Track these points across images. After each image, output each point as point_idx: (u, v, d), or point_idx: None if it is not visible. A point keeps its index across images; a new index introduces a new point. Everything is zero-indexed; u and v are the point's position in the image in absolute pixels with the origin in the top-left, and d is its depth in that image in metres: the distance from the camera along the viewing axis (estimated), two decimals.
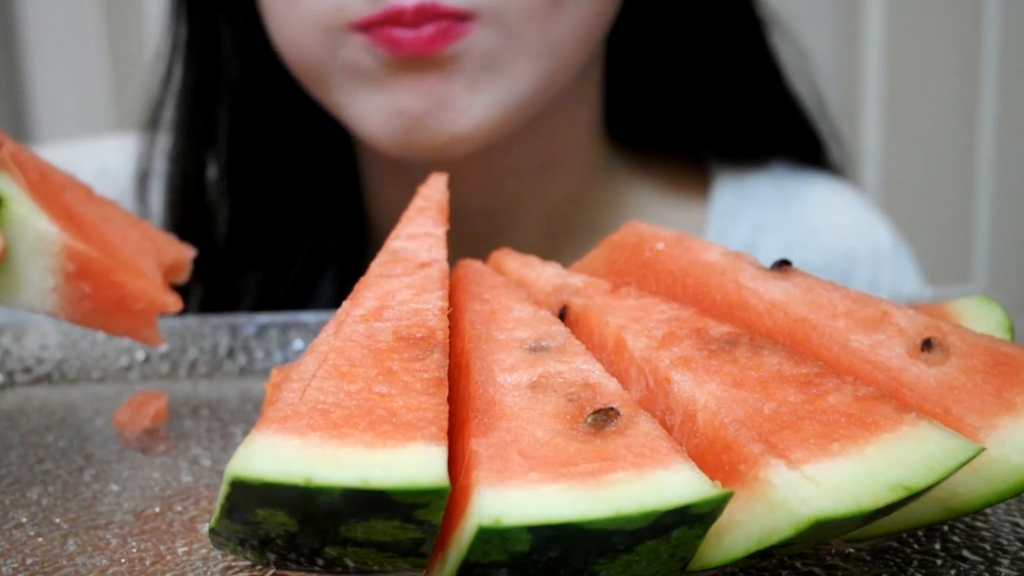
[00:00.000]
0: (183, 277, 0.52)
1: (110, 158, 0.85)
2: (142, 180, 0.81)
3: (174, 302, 0.47)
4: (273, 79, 0.76)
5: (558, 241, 0.80)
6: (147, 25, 1.36)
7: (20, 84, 1.44)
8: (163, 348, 0.59)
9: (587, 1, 0.67)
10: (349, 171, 0.81)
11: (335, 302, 0.69)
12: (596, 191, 0.82)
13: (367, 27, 0.63)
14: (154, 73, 0.81)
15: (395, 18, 0.62)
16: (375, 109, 0.66)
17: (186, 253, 0.52)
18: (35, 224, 0.41)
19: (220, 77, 0.77)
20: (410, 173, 0.73)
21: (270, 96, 0.77)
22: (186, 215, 0.79)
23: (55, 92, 1.42)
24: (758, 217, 0.82)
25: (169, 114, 0.80)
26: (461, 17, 0.63)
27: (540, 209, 0.80)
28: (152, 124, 0.81)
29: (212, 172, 0.80)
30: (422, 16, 0.62)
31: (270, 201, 0.80)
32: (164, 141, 0.81)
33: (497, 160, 0.74)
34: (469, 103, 0.65)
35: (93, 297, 0.43)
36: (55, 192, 0.44)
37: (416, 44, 0.62)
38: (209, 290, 0.79)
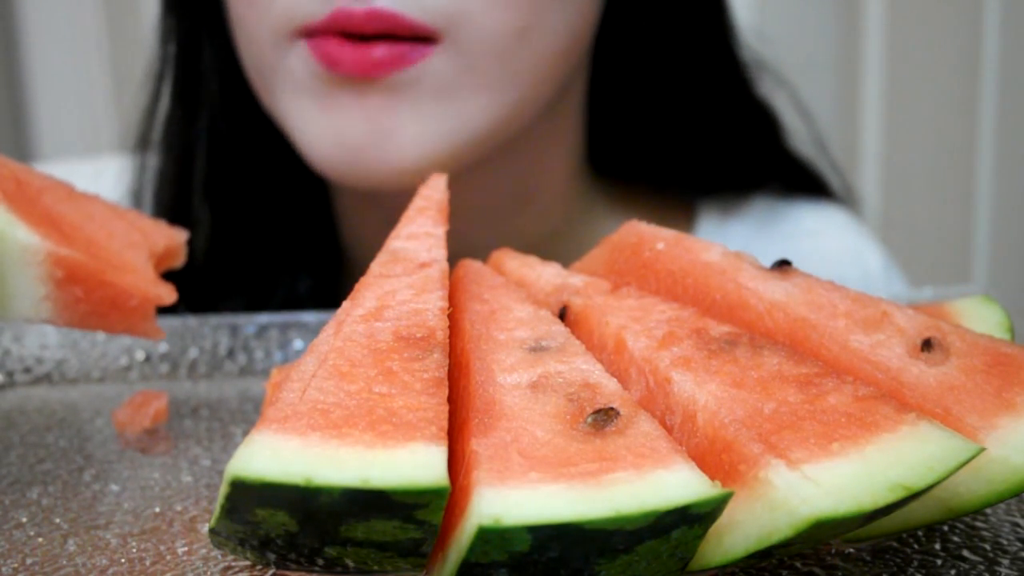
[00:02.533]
0: (180, 261, 0.51)
1: (101, 183, 0.83)
2: (136, 201, 0.80)
3: (168, 293, 0.46)
4: (250, 98, 0.74)
5: None
6: (149, 39, 1.36)
7: (21, 101, 1.44)
8: (163, 348, 0.59)
9: (553, 35, 0.64)
10: (323, 203, 0.79)
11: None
12: (576, 226, 0.80)
13: (311, 34, 0.60)
14: (144, 91, 0.81)
15: (343, 22, 0.59)
16: (317, 133, 0.63)
17: (178, 237, 0.51)
18: (15, 236, 0.40)
19: (200, 95, 0.76)
20: (382, 206, 0.72)
21: (246, 116, 0.76)
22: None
23: (57, 109, 1.42)
24: (745, 248, 0.81)
25: (157, 133, 0.79)
26: (421, 37, 0.60)
27: (516, 247, 0.78)
28: (142, 142, 0.80)
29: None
30: (375, 24, 0.59)
31: (247, 223, 0.78)
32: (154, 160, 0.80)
33: (468, 198, 0.71)
34: (414, 134, 0.61)
35: (86, 300, 0.43)
36: (33, 198, 0.44)
37: (356, 66, 0.59)
38: (193, 313, 0.78)
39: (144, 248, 0.47)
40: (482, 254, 0.75)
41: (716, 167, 0.83)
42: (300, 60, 0.62)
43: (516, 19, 0.61)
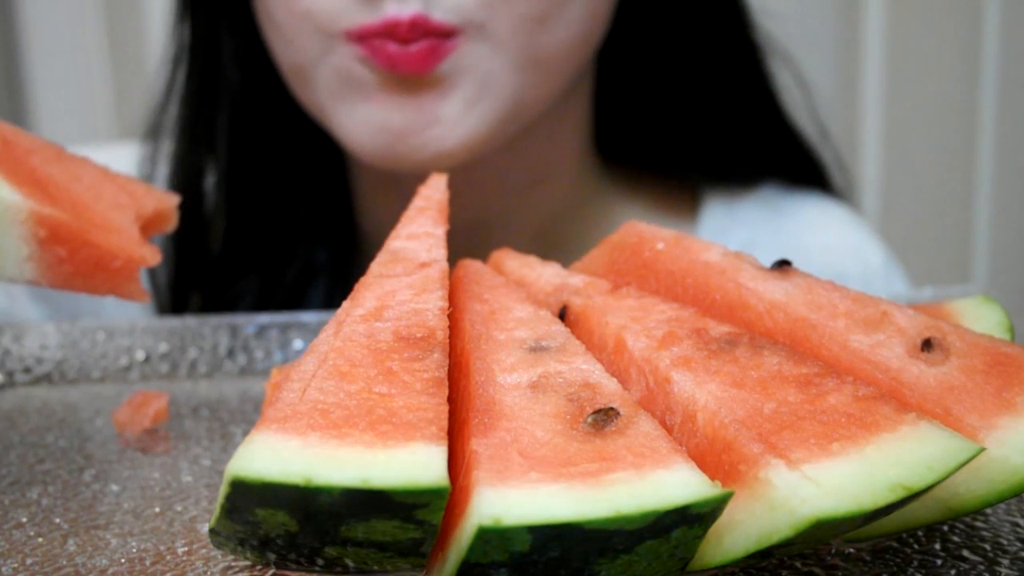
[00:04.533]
0: (170, 226, 0.51)
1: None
2: None
3: (152, 255, 0.46)
4: (270, 87, 0.76)
5: (546, 258, 0.80)
6: (148, 33, 1.36)
7: (21, 92, 1.44)
8: (163, 348, 0.59)
9: (574, 19, 0.67)
10: (341, 181, 0.82)
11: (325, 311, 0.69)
12: (585, 208, 0.82)
13: (362, 37, 0.63)
14: (158, 78, 0.82)
15: (391, 30, 0.62)
16: (361, 121, 0.66)
17: (169, 201, 0.50)
18: None
19: (220, 83, 0.77)
20: (399, 185, 0.74)
21: (267, 104, 0.78)
22: (184, 220, 0.79)
23: (56, 99, 1.42)
24: (748, 238, 0.81)
25: (171, 120, 0.80)
26: (447, 33, 0.63)
27: (527, 225, 0.80)
28: (154, 130, 0.81)
29: (209, 181, 0.80)
30: (414, 31, 0.62)
31: (265, 208, 0.80)
32: (166, 147, 0.81)
33: (484, 175, 0.74)
34: (454, 121, 0.65)
35: (70, 260, 0.42)
36: (19, 158, 0.44)
37: (411, 62, 0.63)
38: (206, 297, 0.79)
39: (131, 210, 0.47)
40: (498, 228, 0.77)
41: (723, 154, 0.84)
42: (352, 59, 0.64)
43: (535, 9, 0.64)
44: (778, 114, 0.83)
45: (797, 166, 0.85)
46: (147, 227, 0.49)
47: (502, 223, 0.79)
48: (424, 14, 0.62)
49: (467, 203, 0.76)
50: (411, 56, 0.62)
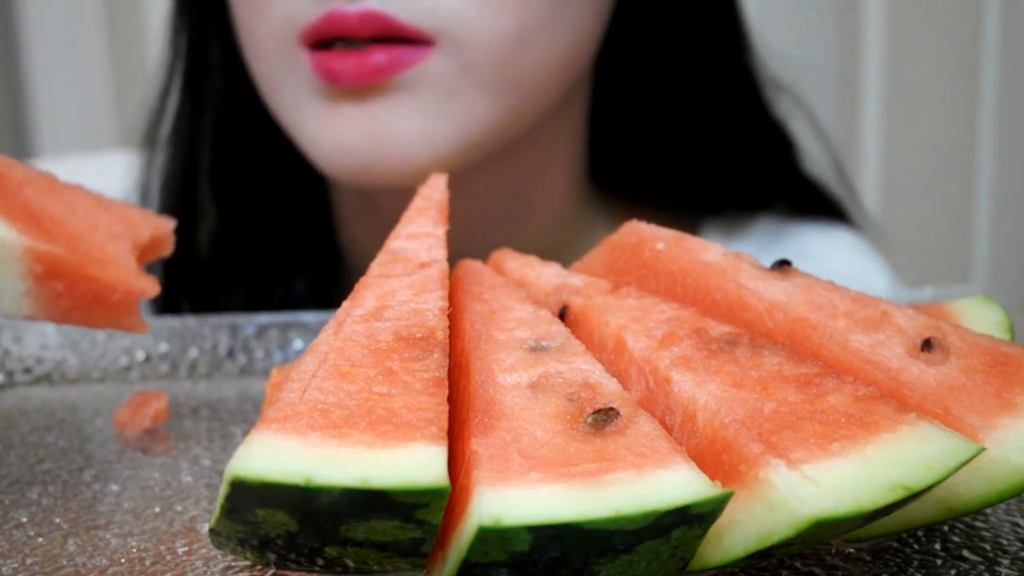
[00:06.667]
0: (166, 251, 0.50)
1: (108, 178, 0.83)
2: (143, 194, 0.80)
3: (151, 286, 0.46)
4: (253, 94, 0.74)
5: None
6: (149, 36, 1.36)
7: (21, 98, 1.44)
8: (163, 348, 0.59)
9: (555, 42, 0.64)
10: (322, 204, 0.80)
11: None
12: (577, 240, 0.79)
13: (315, 42, 0.61)
14: (155, 85, 0.81)
15: (338, 22, 0.59)
16: (320, 140, 0.63)
17: (164, 226, 0.50)
18: None
19: (208, 90, 0.77)
20: (381, 210, 0.72)
21: (249, 112, 0.76)
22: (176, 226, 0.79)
23: (57, 108, 1.42)
24: None
25: (166, 127, 0.80)
26: (417, 40, 0.60)
27: None
28: (151, 137, 0.81)
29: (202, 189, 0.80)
30: (369, 26, 0.59)
31: (250, 218, 0.79)
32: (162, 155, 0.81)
33: (468, 206, 0.71)
34: (418, 133, 0.62)
35: (68, 295, 0.42)
36: (13, 191, 0.43)
37: (356, 75, 0.60)
38: (194, 306, 0.79)
39: (128, 239, 0.47)
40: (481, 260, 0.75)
41: (724, 187, 0.82)
42: (302, 75, 0.62)
43: (513, 24, 0.61)
44: (783, 148, 0.81)
45: (800, 197, 0.83)
46: (144, 254, 0.48)
47: (485, 256, 0.77)
48: (382, 11, 0.58)
49: (452, 235, 0.74)
50: (361, 69, 0.59)
